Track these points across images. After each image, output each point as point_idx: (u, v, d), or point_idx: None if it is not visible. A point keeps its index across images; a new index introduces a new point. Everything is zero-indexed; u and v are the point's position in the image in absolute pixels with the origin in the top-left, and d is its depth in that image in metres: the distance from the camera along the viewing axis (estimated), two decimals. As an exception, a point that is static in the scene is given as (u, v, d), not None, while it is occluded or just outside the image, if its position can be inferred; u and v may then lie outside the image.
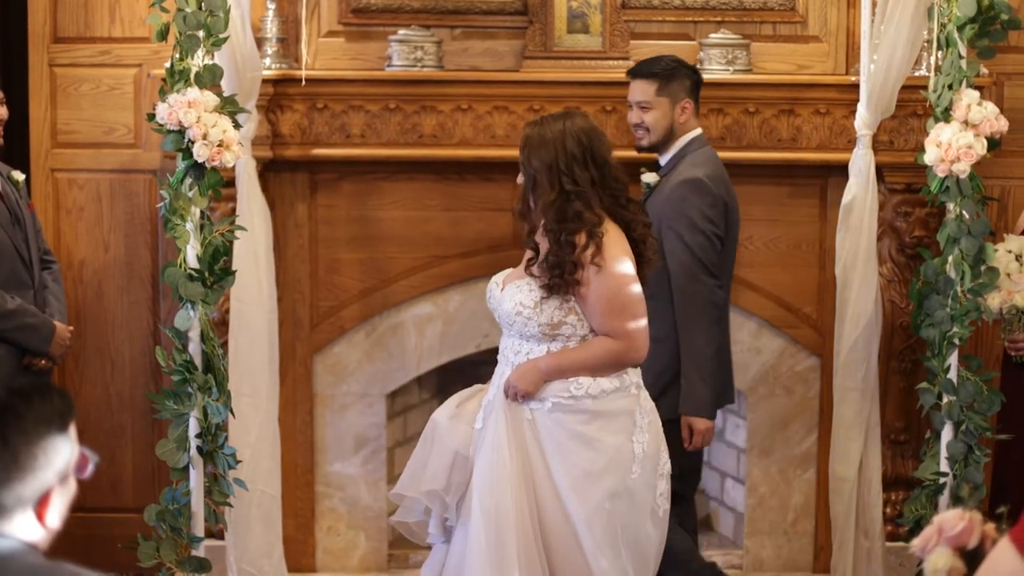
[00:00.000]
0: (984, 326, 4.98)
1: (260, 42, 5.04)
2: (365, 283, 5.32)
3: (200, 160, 4.43)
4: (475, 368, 5.30)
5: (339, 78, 5.14)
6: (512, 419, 3.87)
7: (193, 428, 4.55)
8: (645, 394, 3.98)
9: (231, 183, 4.87)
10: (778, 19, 5.31)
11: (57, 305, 4.75)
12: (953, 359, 4.75)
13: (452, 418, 4.02)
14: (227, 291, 4.73)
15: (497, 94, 5.14)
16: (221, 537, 4.95)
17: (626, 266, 3.85)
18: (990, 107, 4.67)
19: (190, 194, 4.49)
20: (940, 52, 4.76)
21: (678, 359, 4.44)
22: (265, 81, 4.96)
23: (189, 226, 4.49)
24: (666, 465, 3.99)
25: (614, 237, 3.87)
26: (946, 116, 4.69)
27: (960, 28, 4.64)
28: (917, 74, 5.00)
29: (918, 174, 4.92)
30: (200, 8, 4.46)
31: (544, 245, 3.87)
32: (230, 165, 4.53)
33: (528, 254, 3.92)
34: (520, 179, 3.94)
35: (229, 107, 4.56)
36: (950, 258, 4.73)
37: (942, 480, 4.79)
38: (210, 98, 4.46)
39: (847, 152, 5.05)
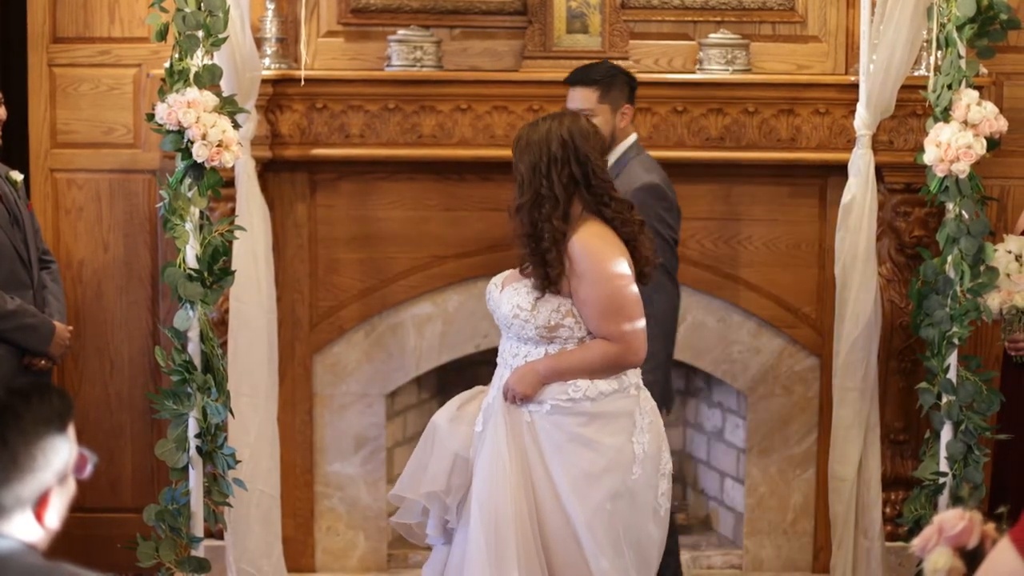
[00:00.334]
0: (983, 326, 4.98)
1: (259, 42, 5.04)
2: (364, 283, 5.32)
3: (199, 160, 4.43)
4: (474, 368, 5.31)
5: (338, 78, 5.14)
6: (511, 422, 3.86)
7: (192, 428, 4.55)
8: (646, 394, 3.97)
9: (230, 183, 4.87)
10: (777, 19, 5.31)
11: (56, 305, 4.75)
12: (952, 359, 4.75)
13: (452, 420, 4.02)
14: (226, 291, 4.73)
15: (496, 94, 5.14)
16: (220, 537, 4.95)
17: (620, 267, 3.84)
18: (989, 107, 4.67)
19: (189, 194, 4.49)
20: (939, 52, 4.76)
21: None
22: (264, 81, 4.96)
23: (188, 226, 4.48)
24: (667, 464, 3.99)
25: (604, 237, 3.86)
26: (945, 116, 4.69)
27: (959, 28, 4.64)
28: (916, 74, 5.00)
29: (917, 174, 4.92)
30: (199, 8, 4.46)
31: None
32: (229, 165, 4.53)
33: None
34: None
35: (228, 107, 4.56)
36: (949, 258, 4.73)
37: (941, 480, 4.79)
38: (209, 98, 4.46)
39: (846, 152, 5.05)
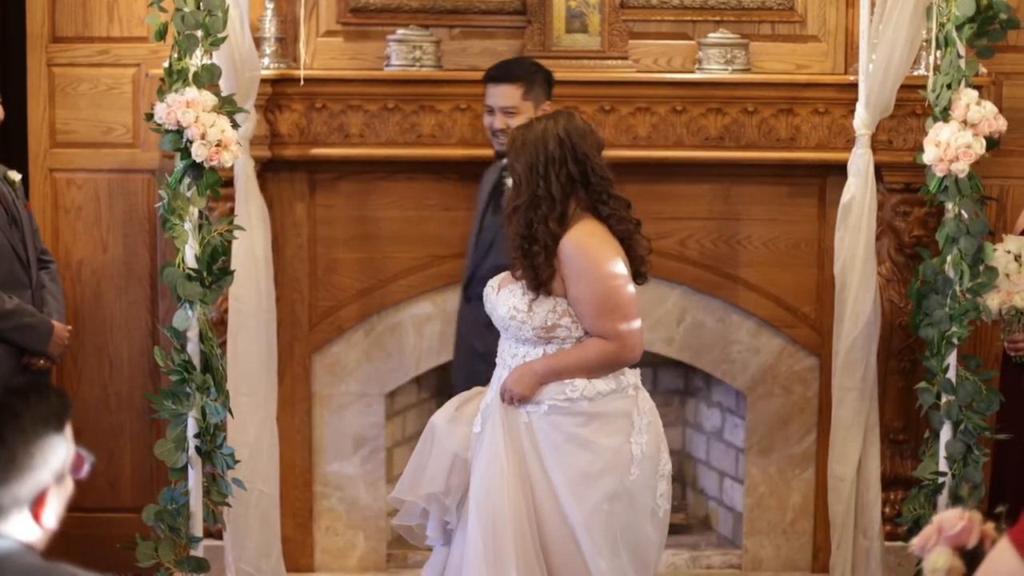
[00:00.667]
0: (983, 326, 4.98)
1: (258, 42, 5.04)
2: (364, 283, 5.31)
3: (198, 160, 4.42)
4: (474, 368, 5.31)
5: (338, 78, 5.14)
6: (509, 423, 3.86)
7: (191, 428, 4.54)
8: (644, 395, 3.97)
9: (229, 183, 4.87)
10: (777, 19, 5.31)
11: (55, 305, 4.74)
12: (952, 359, 4.75)
13: (451, 421, 4.02)
14: (225, 291, 4.73)
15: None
16: (219, 537, 4.94)
17: (615, 266, 3.84)
18: (989, 106, 4.67)
19: (188, 194, 4.49)
20: (939, 51, 4.76)
21: None
22: (263, 81, 4.95)
23: (187, 226, 4.48)
24: (666, 466, 3.98)
25: (599, 236, 3.86)
26: (945, 116, 4.69)
27: (959, 27, 4.64)
28: (916, 73, 5.00)
29: (917, 173, 4.92)
30: (198, 8, 4.46)
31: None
32: (228, 165, 4.53)
33: None
34: (510, 182, 3.96)
35: (227, 107, 4.55)
36: (949, 258, 4.73)
37: (941, 480, 4.79)
38: (208, 98, 4.46)
39: (846, 152, 5.05)
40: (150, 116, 4.51)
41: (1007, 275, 4.75)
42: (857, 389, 5.04)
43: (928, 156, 4.69)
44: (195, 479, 4.57)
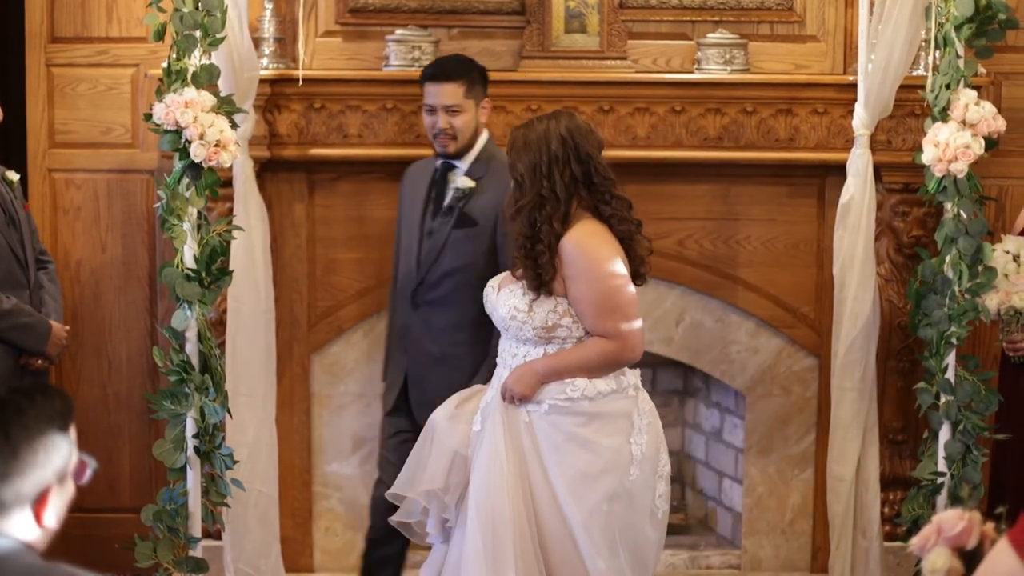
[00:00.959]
0: (982, 326, 4.98)
1: (257, 42, 5.03)
2: (363, 283, 5.31)
3: (197, 160, 4.42)
4: (473, 368, 5.31)
5: (336, 78, 5.14)
6: (509, 422, 3.86)
7: (190, 428, 4.54)
8: (644, 395, 3.97)
9: (228, 183, 4.87)
10: (776, 19, 5.31)
11: (53, 305, 4.74)
12: (951, 359, 4.76)
13: (451, 418, 4.02)
14: (224, 291, 4.73)
15: (494, 94, 5.11)
16: (218, 537, 4.94)
17: (615, 266, 3.84)
18: (987, 107, 4.67)
19: (187, 194, 4.48)
20: (938, 52, 4.76)
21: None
22: (262, 81, 4.95)
23: (186, 226, 4.48)
24: (666, 467, 3.98)
25: (599, 235, 3.86)
26: (944, 116, 4.69)
27: (958, 28, 4.64)
28: (915, 74, 5.00)
29: (916, 174, 4.92)
30: (197, 8, 4.46)
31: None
32: (227, 165, 4.53)
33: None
34: (511, 182, 3.94)
35: (226, 107, 4.55)
36: (948, 258, 4.73)
37: (940, 480, 4.79)
38: (207, 98, 4.46)
39: (845, 152, 5.05)
40: (149, 116, 4.51)
41: (1006, 275, 4.75)
42: (856, 389, 5.04)
43: (927, 156, 4.69)
44: (194, 479, 4.57)
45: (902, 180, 5.15)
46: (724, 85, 5.14)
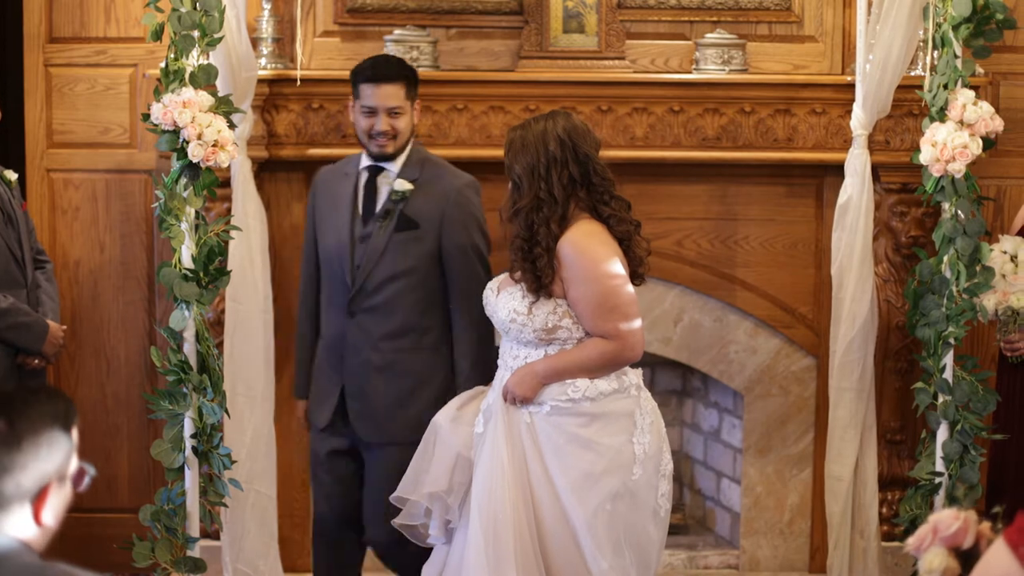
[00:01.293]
0: (980, 326, 4.98)
1: (255, 42, 5.04)
2: (361, 283, 5.30)
3: (195, 160, 4.42)
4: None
5: (334, 78, 5.13)
6: (510, 423, 3.86)
7: (188, 428, 4.54)
8: (646, 394, 3.97)
9: (226, 183, 4.87)
10: (774, 19, 5.31)
11: (50, 304, 4.74)
12: (949, 359, 4.76)
13: (453, 420, 4.02)
14: (222, 291, 4.73)
15: (493, 94, 5.14)
16: (216, 537, 4.95)
17: (614, 266, 3.84)
18: (985, 107, 4.67)
19: (185, 194, 4.48)
20: (935, 52, 4.77)
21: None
22: (260, 81, 4.95)
23: (184, 226, 4.48)
24: (668, 465, 3.98)
25: (596, 236, 3.85)
26: (941, 116, 4.69)
27: (955, 28, 4.64)
28: (913, 74, 5.01)
29: (914, 174, 4.92)
30: (195, 8, 4.46)
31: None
32: (225, 165, 4.53)
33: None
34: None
35: (224, 107, 4.55)
36: (946, 258, 4.73)
37: (938, 480, 4.79)
38: (205, 98, 4.45)
39: (843, 152, 5.06)
40: (147, 116, 4.51)
41: (1003, 276, 4.75)
42: (854, 389, 5.04)
43: (925, 156, 4.69)
44: (192, 479, 4.57)
45: (900, 180, 5.16)
46: (722, 85, 5.14)
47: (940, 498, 4.79)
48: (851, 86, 5.02)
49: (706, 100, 5.15)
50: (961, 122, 4.64)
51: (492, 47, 5.27)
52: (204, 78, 4.50)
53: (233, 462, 4.60)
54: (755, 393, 5.40)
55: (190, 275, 4.48)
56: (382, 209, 4.39)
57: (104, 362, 5.39)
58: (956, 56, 4.68)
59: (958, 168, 4.63)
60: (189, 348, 4.52)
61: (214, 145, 4.42)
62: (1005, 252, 4.78)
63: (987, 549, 2.38)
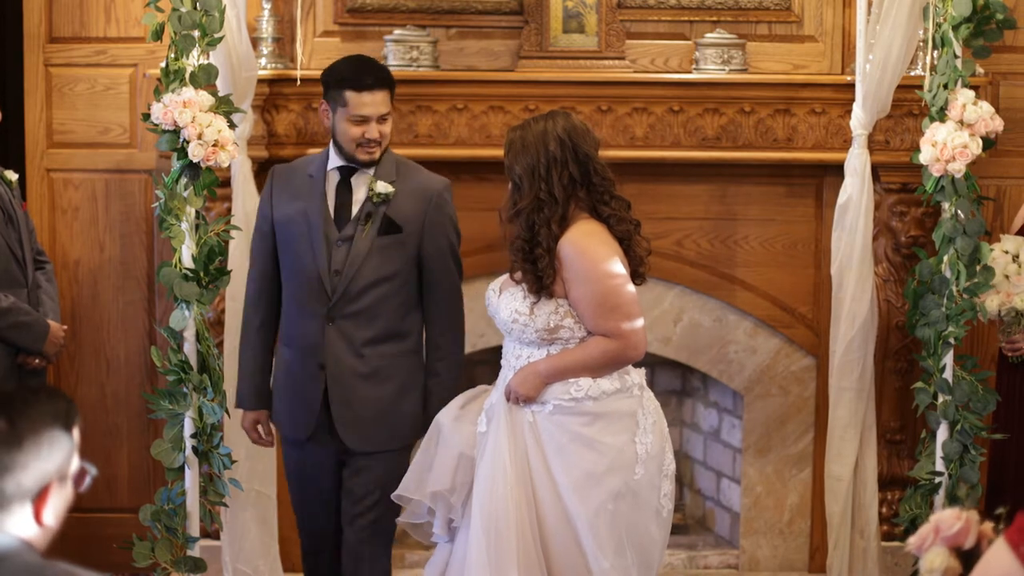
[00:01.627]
0: (980, 326, 4.98)
1: (256, 42, 5.04)
2: (361, 283, 5.30)
3: (195, 160, 4.42)
4: (472, 367, 5.30)
5: (335, 78, 5.14)
6: (513, 423, 3.86)
7: (188, 428, 4.54)
8: (649, 394, 3.97)
9: (226, 183, 4.87)
10: (774, 19, 5.31)
11: (51, 304, 4.74)
12: (949, 359, 4.76)
13: (456, 419, 4.01)
14: (222, 291, 4.73)
15: (493, 94, 5.14)
16: (216, 537, 4.95)
17: (614, 265, 3.83)
18: (985, 107, 4.68)
19: (185, 194, 4.49)
20: (935, 52, 4.77)
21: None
22: (260, 81, 4.96)
23: (184, 226, 4.48)
24: (671, 465, 3.98)
25: (597, 236, 3.85)
26: (941, 116, 4.69)
27: (955, 28, 4.65)
28: (913, 74, 5.01)
29: (914, 174, 4.93)
30: (195, 8, 4.46)
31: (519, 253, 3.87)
32: (225, 165, 4.54)
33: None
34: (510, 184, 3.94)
35: (224, 107, 4.55)
36: (945, 258, 4.74)
37: (938, 480, 4.80)
38: (205, 98, 4.46)
39: (843, 152, 5.06)
40: (147, 116, 4.51)
41: (1007, 276, 4.75)
42: (854, 389, 5.04)
43: (924, 156, 4.69)
44: (192, 479, 4.57)
45: (900, 180, 5.16)
46: (722, 85, 5.14)
47: (940, 498, 4.80)
48: (851, 86, 5.02)
49: (706, 100, 5.15)
50: (961, 122, 4.65)
51: (492, 47, 5.27)
52: (204, 78, 4.51)
53: (233, 462, 4.60)
54: (755, 393, 5.40)
55: (190, 275, 4.48)
56: (362, 212, 4.20)
57: (104, 362, 5.39)
58: (956, 56, 4.68)
59: (958, 168, 4.64)
60: (189, 348, 4.53)
61: (214, 145, 4.42)
62: (1007, 252, 4.78)
63: (988, 549, 2.38)
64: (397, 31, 5.17)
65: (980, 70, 5.02)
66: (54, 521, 2.27)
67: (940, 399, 4.77)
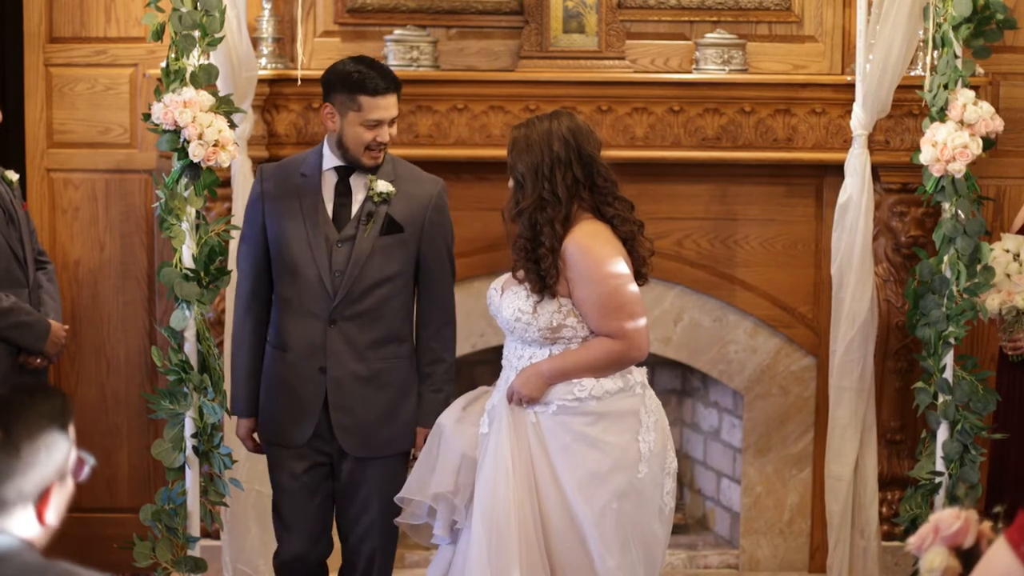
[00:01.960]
0: (980, 325, 4.98)
1: (256, 42, 5.04)
2: (361, 283, 5.30)
3: (195, 160, 4.42)
4: (471, 368, 5.31)
5: (335, 78, 5.14)
6: (516, 423, 3.85)
7: (189, 428, 4.54)
8: (651, 393, 3.97)
9: (227, 183, 4.87)
10: (774, 19, 5.31)
11: (52, 304, 4.74)
12: (949, 359, 4.76)
13: (458, 421, 4.01)
14: (222, 291, 4.73)
15: (493, 94, 5.14)
16: (217, 537, 4.95)
17: (618, 266, 3.83)
18: (985, 107, 4.68)
19: (185, 194, 4.49)
20: (935, 52, 4.77)
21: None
22: (261, 81, 4.96)
23: (184, 226, 4.48)
24: (673, 463, 3.98)
25: (600, 236, 3.85)
26: (941, 116, 4.69)
27: (955, 28, 4.65)
28: (913, 74, 5.01)
29: (914, 174, 4.93)
30: (195, 8, 4.46)
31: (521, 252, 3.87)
32: (225, 165, 4.53)
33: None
34: (511, 183, 3.93)
35: (225, 107, 4.55)
36: (946, 258, 4.74)
37: (938, 479, 4.80)
38: (206, 98, 4.46)
39: (843, 152, 5.06)
40: (147, 116, 4.51)
41: (1008, 275, 4.75)
42: (854, 389, 5.05)
43: (925, 156, 4.69)
44: (192, 479, 4.57)
45: (900, 180, 5.16)
46: (722, 85, 5.15)
47: (940, 498, 4.80)
48: (851, 86, 5.02)
49: (706, 100, 5.15)
50: (961, 122, 4.65)
51: (492, 47, 5.27)
52: (205, 78, 4.51)
53: (234, 461, 4.60)
54: (755, 393, 5.40)
55: (191, 275, 4.48)
56: (363, 211, 4.15)
57: (104, 362, 5.39)
58: (956, 56, 4.68)
59: (958, 168, 4.64)
60: (190, 348, 4.53)
61: (215, 145, 4.42)
62: (1008, 251, 4.78)
63: (988, 549, 2.38)
64: (397, 31, 5.17)
65: (980, 70, 5.02)
66: (56, 519, 2.27)
67: (940, 399, 4.77)
